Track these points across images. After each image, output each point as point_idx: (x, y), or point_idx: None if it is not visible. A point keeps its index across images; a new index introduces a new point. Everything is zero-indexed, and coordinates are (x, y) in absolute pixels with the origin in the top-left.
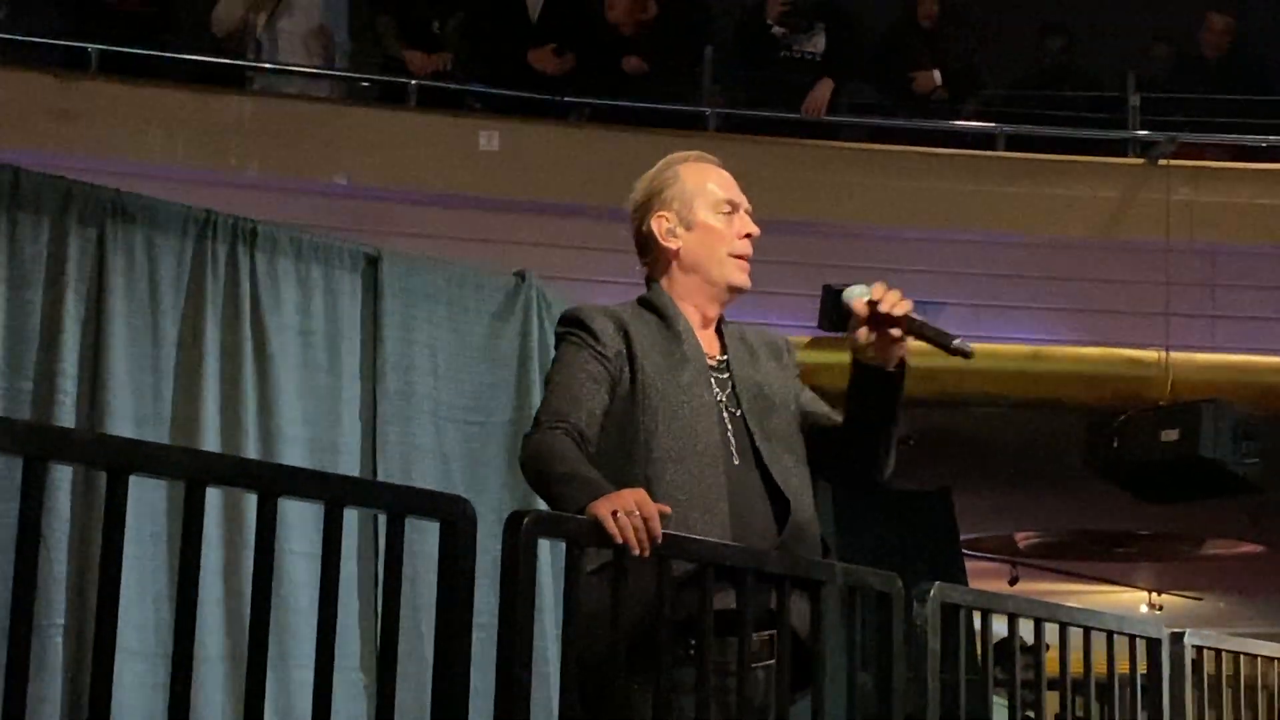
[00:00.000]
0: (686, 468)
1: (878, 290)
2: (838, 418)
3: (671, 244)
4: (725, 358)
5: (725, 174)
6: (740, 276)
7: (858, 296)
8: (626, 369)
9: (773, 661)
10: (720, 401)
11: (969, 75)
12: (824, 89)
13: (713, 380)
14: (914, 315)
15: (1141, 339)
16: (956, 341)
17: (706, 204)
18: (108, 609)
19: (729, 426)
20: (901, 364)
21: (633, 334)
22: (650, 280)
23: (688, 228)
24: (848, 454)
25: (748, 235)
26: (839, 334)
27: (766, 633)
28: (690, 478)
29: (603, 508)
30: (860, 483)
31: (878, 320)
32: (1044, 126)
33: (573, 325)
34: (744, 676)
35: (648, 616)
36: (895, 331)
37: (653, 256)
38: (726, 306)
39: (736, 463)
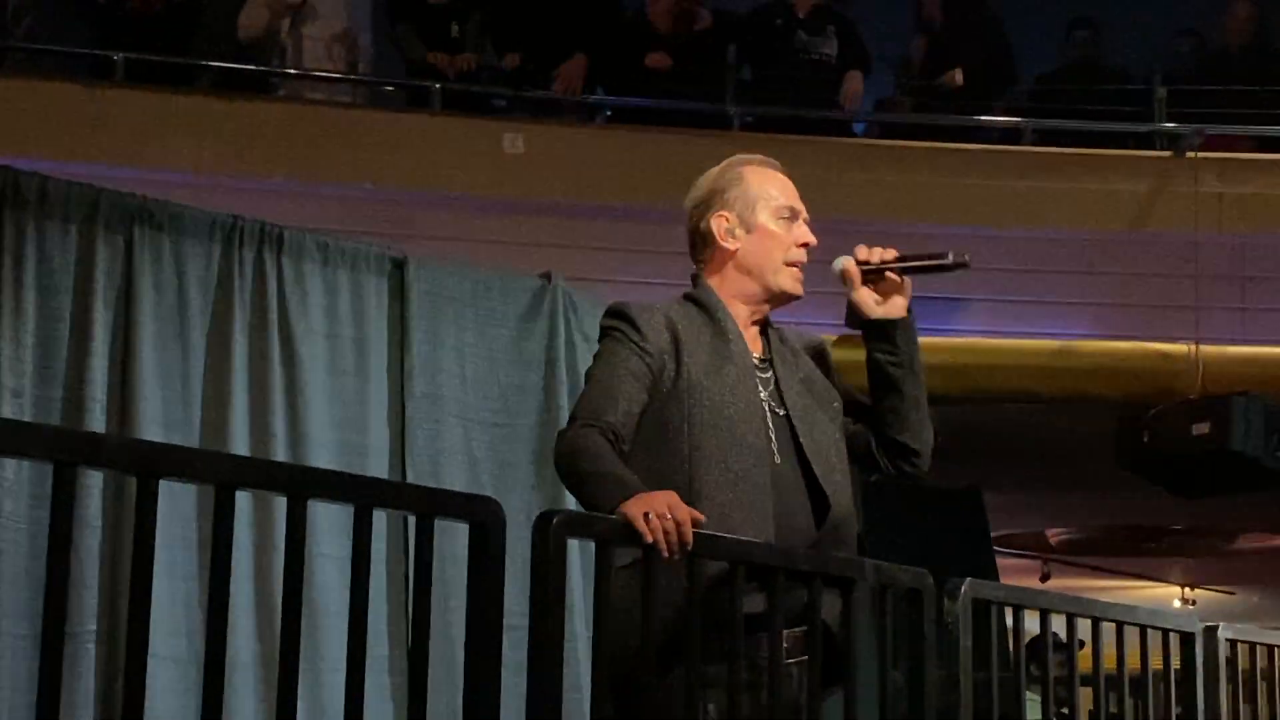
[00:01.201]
0: (730, 467)
1: (860, 251)
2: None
3: (730, 244)
4: (769, 357)
5: (787, 181)
6: (794, 285)
7: (847, 263)
8: (671, 365)
9: (805, 658)
10: (765, 400)
11: (995, 71)
12: (855, 82)
13: (758, 379)
14: (898, 260)
15: (1171, 332)
16: (950, 257)
17: (768, 209)
18: (140, 614)
19: (771, 426)
20: (909, 313)
21: (680, 330)
22: (696, 277)
23: (748, 230)
24: (884, 427)
25: (805, 244)
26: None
27: (799, 629)
28: (734, 477)
29: (635, 508)
30: (903, 457)
31: (872, 275)
32: (1070, 121)
33: (618, 319)
34: (775, 673)
35: (679, 615)
36: (891, 277)
37: (708, 254)
38: (774, 311)
39: (779, 461)
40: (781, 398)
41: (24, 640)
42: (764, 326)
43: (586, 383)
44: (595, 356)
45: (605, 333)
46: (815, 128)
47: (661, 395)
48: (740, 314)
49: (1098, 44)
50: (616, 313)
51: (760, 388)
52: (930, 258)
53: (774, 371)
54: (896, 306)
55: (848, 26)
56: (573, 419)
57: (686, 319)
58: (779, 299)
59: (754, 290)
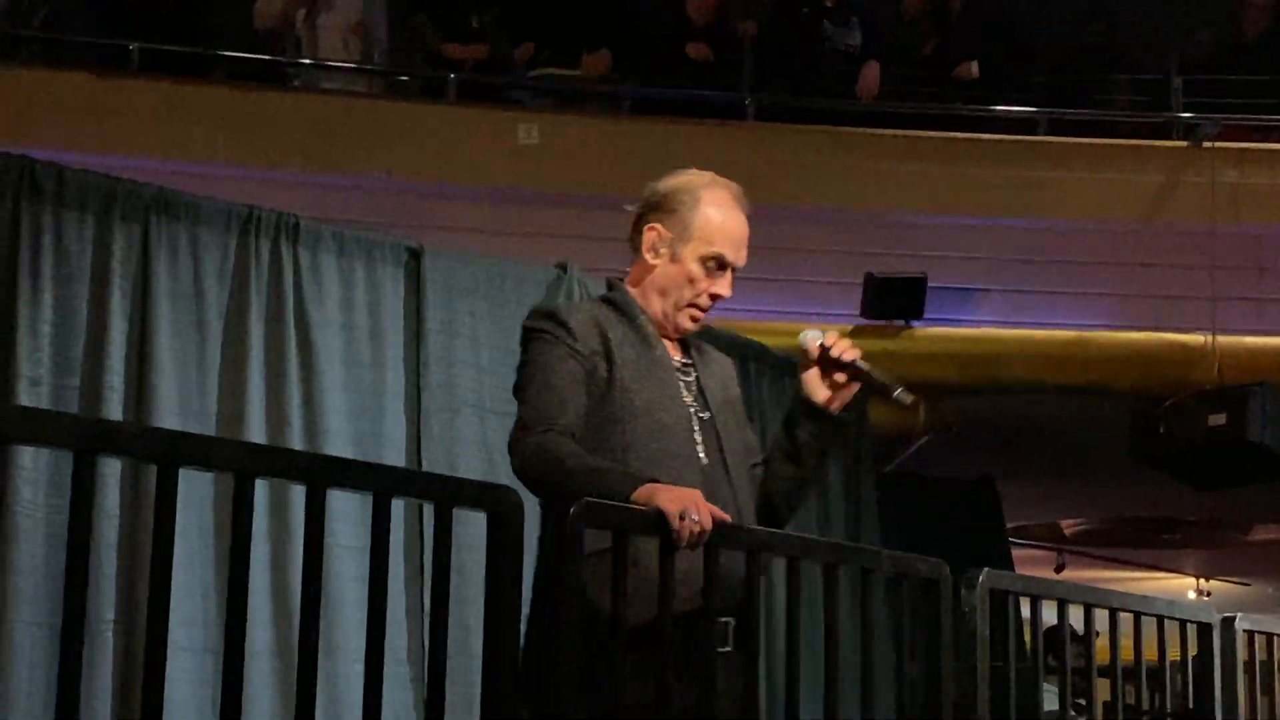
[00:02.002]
0: (665, 469)
1: (830, 336)
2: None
3: (650, 259)
4: (690, 361)
5: (742, 225)
6: (688, 324)
7: (811, 339)
8: (603, 366)
9: (729, 649)
10: (690, 403)
11: (1011, 61)
12: (872, 72)
13: (681, 383)
14: (860, 363)
15: (1187, 323)
16: (898, 391)
17: (699, 250)
18: (159, 602)
19: (697, 429)
20: (840, 422)
21: (608, 332)
22: (615, 283)
23: (671, 257)
24: (769, 486)
25: (717, 295)
26: (883, 321)
27: (724, 620)
28: (669, 479)
29: (670, 503)
30: (769, 518)
31: (827, 362)
32: (1086, 111)
33: (548, 320)
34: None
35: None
36: (840, 376)
37: (634, 253)
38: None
39: (705, 462)
40: (705, 400)
41: (41, 629)
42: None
43: (525, 388)
44: (527, 360)
45: (535, 335)
46: (831, 118)
47: (595, 396)
48: (653, 323)
49: (1113, 34)
50: (545, 314)
51: (684, 391)
52: (880, 379)
53: (696, 375)
54: (837, 402)
55: (873, 18)
56: (524, 426)
57: (609, 320)
58: (671, 329)
59: (657, 310)
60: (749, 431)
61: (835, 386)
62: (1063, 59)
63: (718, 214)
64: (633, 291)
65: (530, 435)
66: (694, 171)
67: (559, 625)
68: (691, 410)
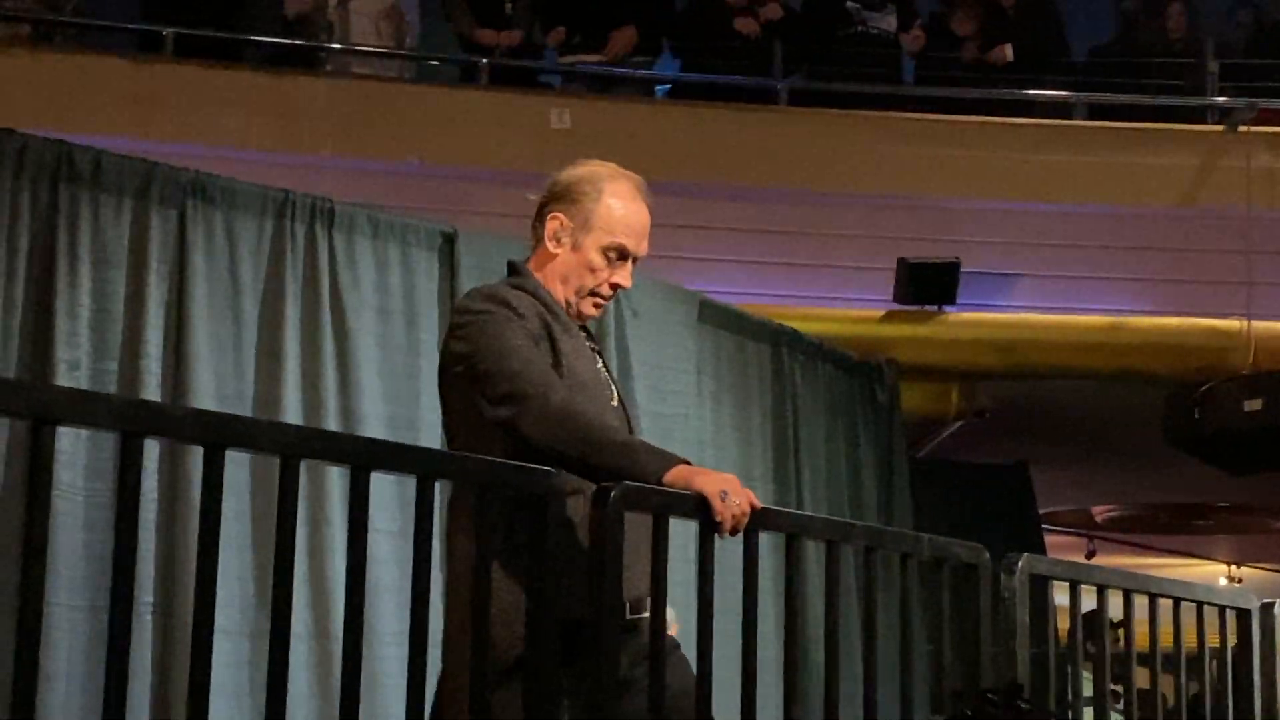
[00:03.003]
0: None
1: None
2: None
3: (551, 247)
4: (596, 346)
5: (644, 215)
6: (590, 312)
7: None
8: (546, 348)
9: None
10: (608, 389)
11: (1047, 45)
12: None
13: (599, 366)
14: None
15: (1223, 308)
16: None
17: (600, 239)
18: (205, 582)
19: (619, 413)
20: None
21: (547, 318)
22: (517, 265)
23: (573, 246)
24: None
25: (616, 285)
26: (916, 306)
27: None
28: None
29: (712, 486)
30: None
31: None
32: (1122, 95)
33: (496, 304)
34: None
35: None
36: None
37: (536, 240)
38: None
39: None
40: (613, 383)
41: (81, 611)
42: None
43: (483, 363)
44: (477, 338)
45: (482, 315)
46: (865, 103)
47: None
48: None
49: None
50: (490, 297)
51: (604, 374)
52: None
53: (601, 358)
54: None
55: (907, 2)
56: (523, 395)
57: (537, 306)
58: (574, 315)
59: (559, 296)
60: None
61: None
62: (1099, 42)
63: (620, 205)
64: (536, 274)
65: (548, 396)
66: (597, 162)
67: (601, 612)
68: (611, 391)
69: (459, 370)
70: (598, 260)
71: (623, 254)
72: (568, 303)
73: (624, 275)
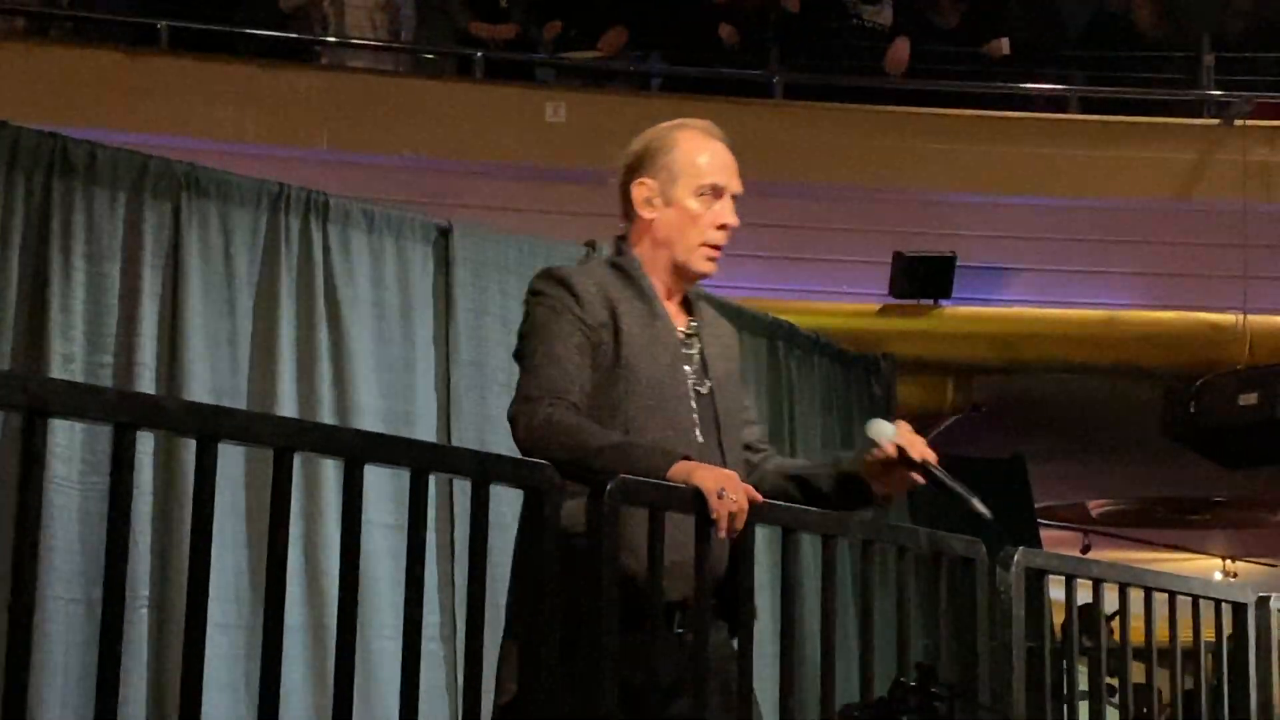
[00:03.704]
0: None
1: (904, 432)
2: (761, 446)
3: (646, 214)
4: (694, 330)
5: (725, 153)
6: (706, 265)
7: (887, 437)
8: (609, 340)
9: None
10: (690, 376)
11: (1043, 38)
12: (901, 47)
13: (684, 355)
14: (935, 470)
15: (1219, 302)
16: (975, 502)
17: (690, 184)
18: (199, 576)
19: (694, 405)
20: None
21: (616, 303)
22: (622, 240)
23: (666, 202)
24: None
25: (724, 226)
26: (911, 300)
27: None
28: None
29: (709, 481)
30: None
31: (901, 462)
32: (1117, 88)
33: (559, 286)
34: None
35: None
36: (916, 476)
37: (631, 218)
38: (689, 287)
39: (700, 440)
40: (706, 372)
41: (77, 605)
42: (685, 297)
43: (529, 355)
44: (531, 325)
45: (541, 299)
46: (858, 95)
47: (601, 370)
48: (658, 286)
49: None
50: (556, 279)
51: (685, 364)
52: (957, 487)
53: (700, 345)
54: (894, 492)
55: None
56: (529, 398)
57: (618, 290)
58: (689, 277)
59: (667, 264)
60: (747, 399)
61: (892, 481)
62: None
63: (698, 147)
64: (636, 252)
65: (539, 408)
66: (662, 125)
67: (600, 607)
68: (690, 383)
69: (515, 353)
70: (695, 206)
71: (717, 192)
72: (679, 266)
73: (727, 213)
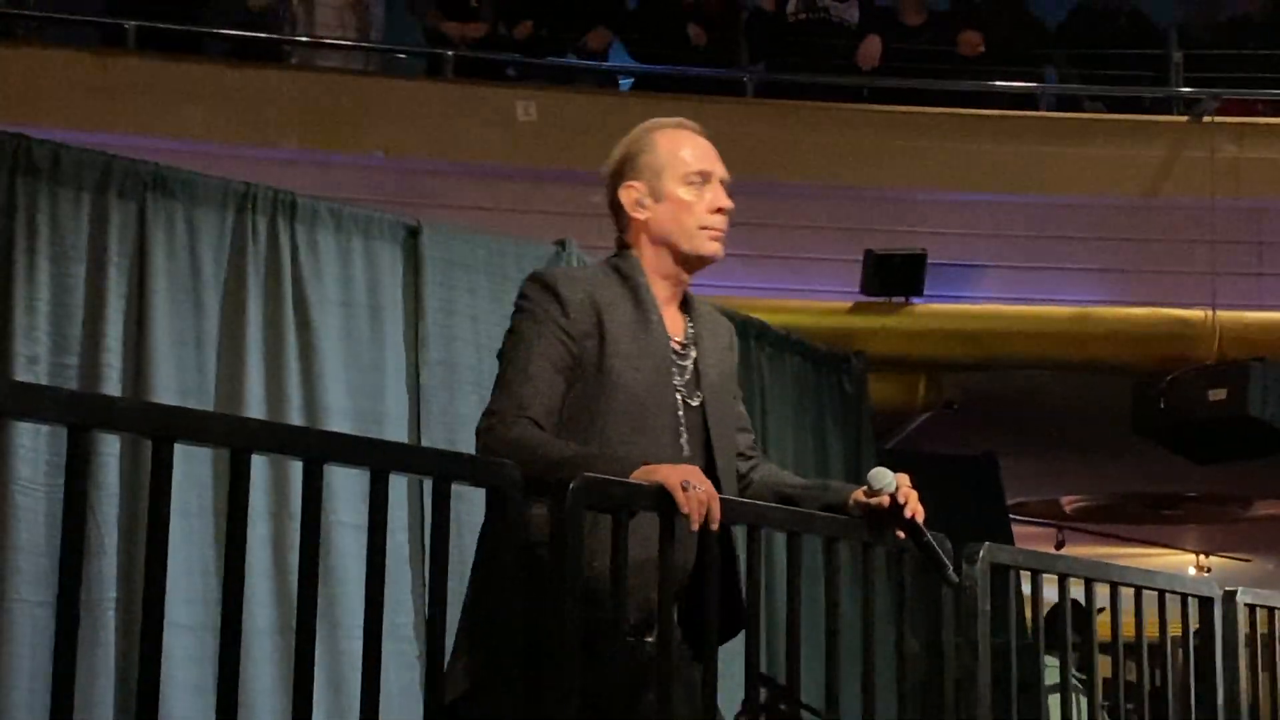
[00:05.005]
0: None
1: (903, 487)
2: (750, 453)
3: (640, 215)
4: (690, 341)
5: (703, 142)
6: (712, 246)
7: (883, 485)
8: (593, 350)
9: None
10: (679, 388)
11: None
12: (873, 44)
13: (674, 368)
14: (923, 530)
15: (1188, 298)
16: (949, 571)
17: (676, 175)
18: (155, 579)
19: (682, 416)
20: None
21: (604, 312)
22: (623, 244)
23: (657, 199)
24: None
25: (719, 209)
26: (883, 298)
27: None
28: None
29: (673, 478)
30: None
31: (892, 510)
32: (1087, 86)
33: (544, 292)
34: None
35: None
36: (900, 531)
37: (625, 225)
38: (694, 276)
39: (687, 453)
40: (698, 384)
41: (43, 607)
42: (684, 302)
43: (504, 363)
44: (514, 333)
45: (528, 304)
46: (829, 94)
47: (582, 379)
48: (661, 292)
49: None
50: (544, 285)
51: (677, 375)
52: (936, 551)
53: (695, 356)
54: (868, 534)
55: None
56: (493, 412)
57: (609, 295)
58: (696, 264)
59: (670, 261)
60: (739, 406)
61: (889, 530)
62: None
63: (676, 141)
64: (637, 255)
65: (501, 423)
66: (631, 133)
67: (561, 613)
68: (680, 396)
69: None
70: (687, 194)
71: (705, 177)
72: (688, 255)
73: (721, 197)
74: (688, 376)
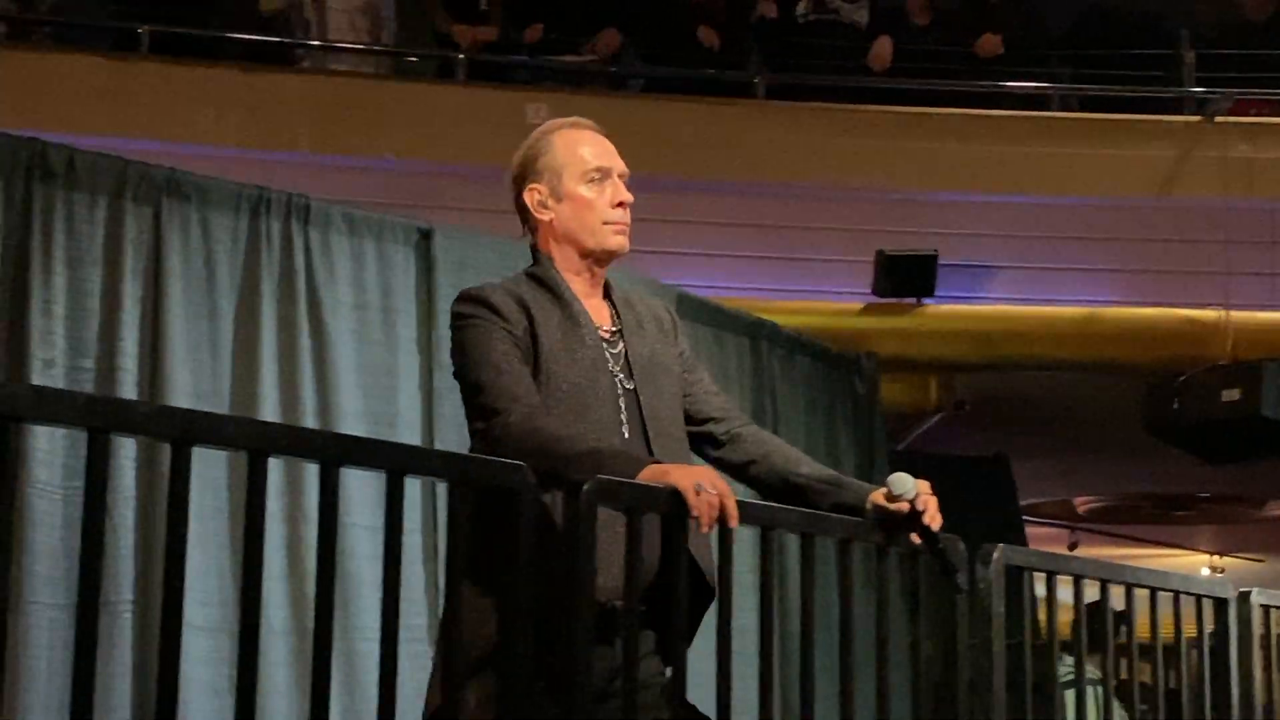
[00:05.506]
0: None
1: (923, 493)
2: (715, 408)
3: (544, 216)
4: (618, 328)
5: (601, 139)
6: (616, 240)
7: (904, 491)
8: (530, 351)
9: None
10: (614, 373)
11: (1026, 37)
12: (884, 45)
13: (607, 355)
14: (939, 536)
15: (1201, 298)
16: (959, 577)
17: (576, 174)
18: (174, 581)
19: (621, 403)
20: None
21: (533, 314)
22: (536, 250)
23: (559, 199)
24: (739, 466)
25: (621, 203)
26: (894, 299)
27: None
28: None
29: (685, 480)
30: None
31: (909, 519)
32: (1098, 86)
33: (479, 305)
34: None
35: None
36: (915, 536)
37: (533, 227)
38: (607, 269)
39: (626, 436)
40: (630, 370)
41: (61, 610)
42: (607, 292)
43: (468, 371)
44: (464, 345)
45: (466, 320)
46: (840, 95)
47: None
48: (580, 287)
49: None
50: (474, 299)
51: (611, 362)
52: (946, 556)
53: (623, 343)
54: (882, 538)
55: None
56: (494, 410)
57: (533, 298)
58: (604, 258)
59: (578, 258)
60: (695, 375)
61: (903, 534)
62: (1074, 33)
63: (573, 140)
64: (549, 257)
65: (509, 417)
66: (529, 137)
67: (575, 613)
68: (617, 381)
69: (454, 376)
70: (587, 192)
71: (604, 173)
72: (594, 251)
73: (619, 191)
74: (620, 363)
